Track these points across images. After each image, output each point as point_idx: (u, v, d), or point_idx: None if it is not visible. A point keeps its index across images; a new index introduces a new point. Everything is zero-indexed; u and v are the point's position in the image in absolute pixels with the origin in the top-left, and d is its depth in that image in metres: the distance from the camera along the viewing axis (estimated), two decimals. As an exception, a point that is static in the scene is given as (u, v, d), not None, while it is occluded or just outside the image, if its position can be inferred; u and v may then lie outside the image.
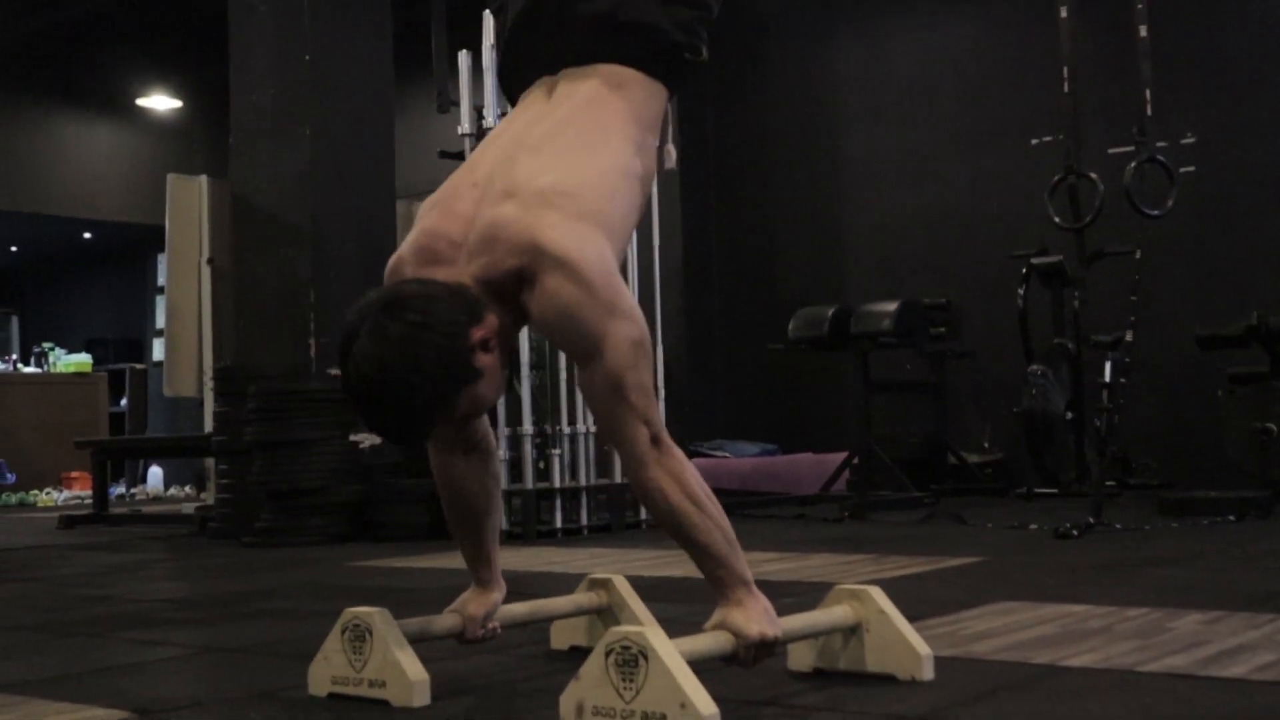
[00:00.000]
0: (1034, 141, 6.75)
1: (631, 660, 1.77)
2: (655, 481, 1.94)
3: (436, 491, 2.31)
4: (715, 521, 1.96)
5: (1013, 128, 7.69)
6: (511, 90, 2.32)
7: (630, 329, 1.94)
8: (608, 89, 2.17)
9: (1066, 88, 5.44)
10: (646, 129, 2.20)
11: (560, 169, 2.03)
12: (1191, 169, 6.10)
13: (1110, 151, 6.07)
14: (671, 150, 2.45)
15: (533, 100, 2.24)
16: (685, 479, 1.95)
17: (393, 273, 2.12)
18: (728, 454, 8.11)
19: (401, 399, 1.90)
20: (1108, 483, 5.69)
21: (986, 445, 7.82)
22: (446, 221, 2.09)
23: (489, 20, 5.47)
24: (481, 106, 5.63)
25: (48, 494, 10.59)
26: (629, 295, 1.98)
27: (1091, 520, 4.73)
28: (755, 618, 1.95)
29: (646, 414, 1.94)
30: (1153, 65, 5.53)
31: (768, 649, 1.96)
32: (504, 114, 5.56)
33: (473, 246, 2.02)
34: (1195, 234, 7.12)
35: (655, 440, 1.95)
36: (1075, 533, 4.56)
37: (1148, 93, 5.44)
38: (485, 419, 2.26)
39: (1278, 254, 7.04)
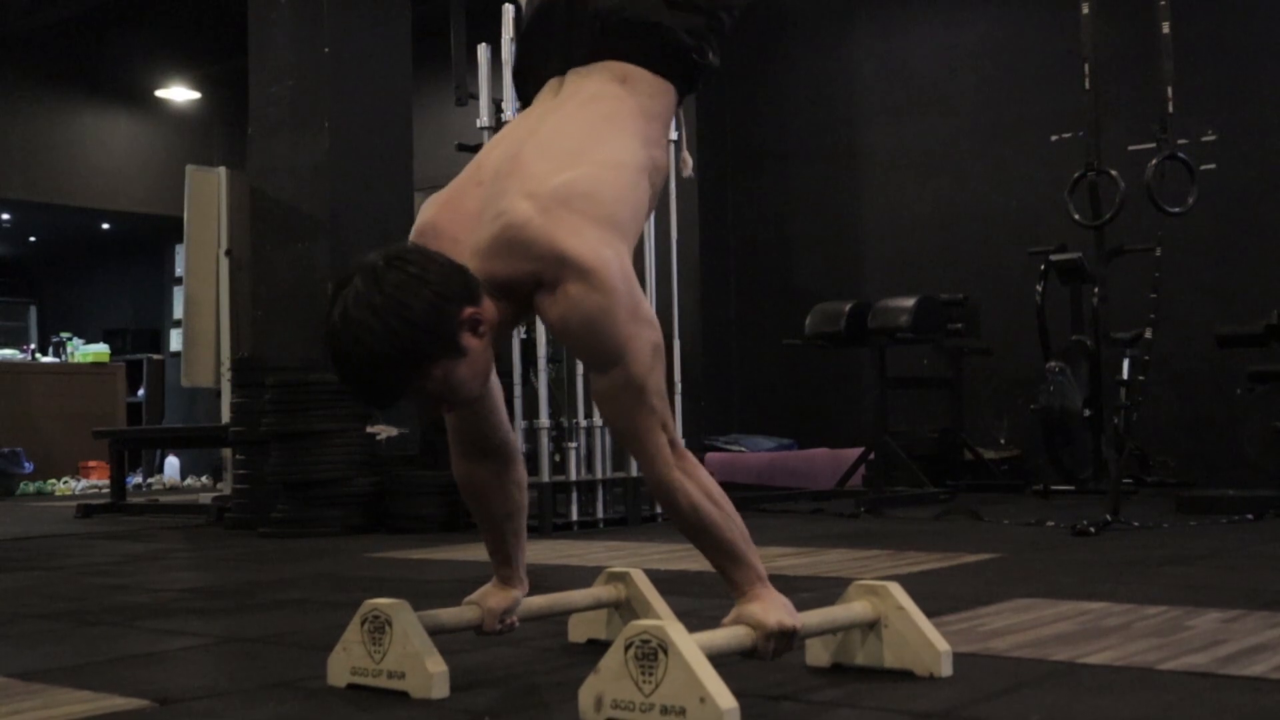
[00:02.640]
0: (1054, 138, 6.72)
1: (651, 654, 1.77)
2: (679, 483, 1.95)
3: (452, 483, 2.30)
4: (733, 520, 1.98)
5: (1032, 123, 7.67)
6: (526, 93, 2.31)
7: (651, 334, 1.95)
8: (613, 83, 2.16)
9: (1088, 84, 5.41)
10: (654, 122, 2.19)
11: (573, 166, 2.01)
12: (1212, 166, 6.06)
13: (1131, 148, 6.04)
14: (688, 158, 2.44)
15: (540, 100, 2.23)
16: (703, 480, 1.97)
17: None
18: (744, 449, 8.11)
19: (377, 343, 1.85)
20: (1125, 480, 5.67)
21: (1003, 441, 7.81)
22: (448, 218, 2.08)
23: (508, 13, 5.47)
24: (500, 100, 5.62)
25: (65, 483, 10.63)
26: (646, 301, 1.98)
27: (1109, 518, 4.72)
28: (773, 610, 1.96)
29: (665, 419, 1.96)
30: (1174, 62, 5.50)
31: (786, 641, 1.96)
32: (523, 108, 5.57)
33: (484, 246, 1.99)
34: (1216, 232, 7.09)
35: (672, 444, 1.96)
36: (1093, 530, 4.55)
37: (1169, 89, 5.41)
38: (507, 424, 2.25)
39: (1298, 252, 7.01)
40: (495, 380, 2.17)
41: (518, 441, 2.38)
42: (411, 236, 2.10)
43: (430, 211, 2.12)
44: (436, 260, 1.92)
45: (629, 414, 1.95)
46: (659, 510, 5.72)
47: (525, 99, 2.31)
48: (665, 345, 2.01)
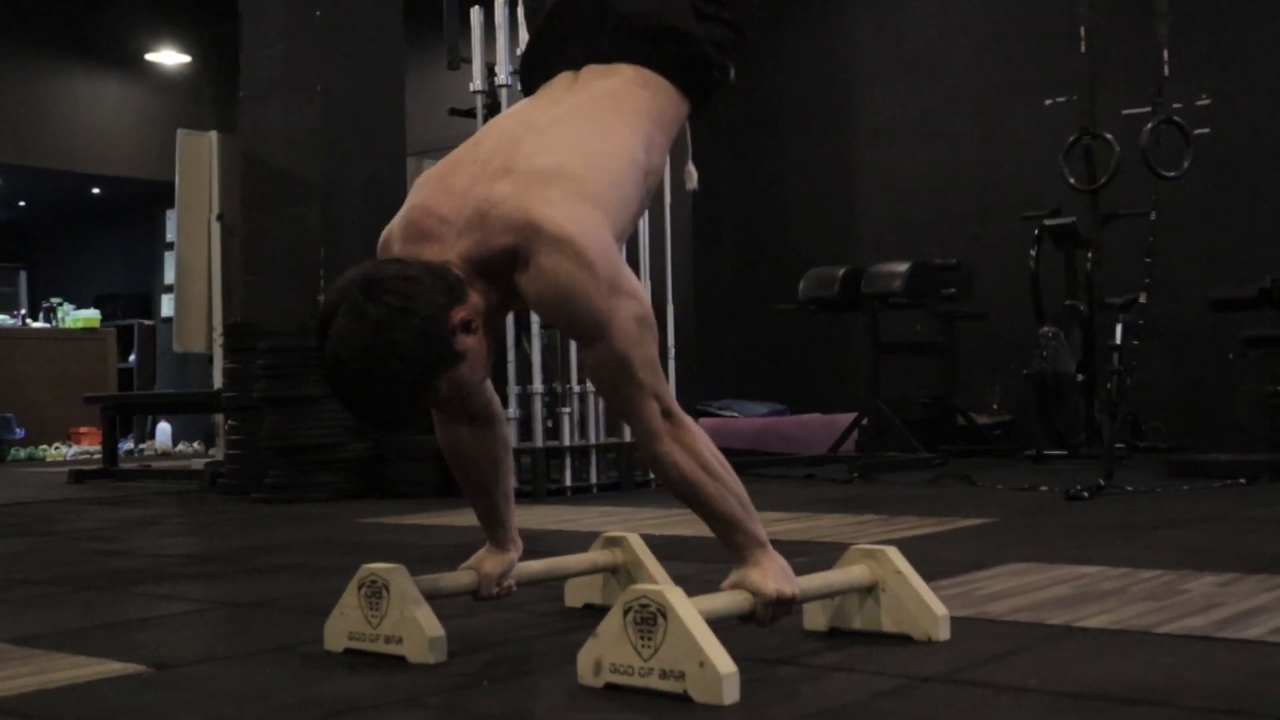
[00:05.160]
0: (1048, 102, 6.71)
1: (650, 618, 1.77)
2: (669, 456, 1.92)
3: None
4: (730, 489, 1.96)
5: (1027, 88, 7.64)
6: (531, 83, 2.27)
7: (633, 306, 1.90)
8: (631, 85, 2.13)
9: (1084, 47, 5.40)
10: (660, 128, 2.15)
11: (563, 151, 1.98)
12: (1207, 131, 6.06)
13: (1125, 112, 6.04)
14: (693, 171, 2.41)
15: (551, 88, 2.20)
16: (698, 449, 1.93)
17: (382, 248, 2.08)
18: (736, 414, 8.11)
19: (379, 384, 1.85)
20: (1117, 445, 5.68)
21: (996, 406, 7.82)
22: (439, 197, 2.04)
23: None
24: (493, 64, 5.60)
25: (56, 449, 10.63)
26: (629, 271, 1.94)
27: (1102, 482, 4.73)
28: (772, 576, 1.95)
29: (656, 389, 1.92)
30: (1169, 26, 5.49)
31: (785, 606, 1.96)
32: (515, 70, 5.54)
33: (463, 224, 1.97)
34: (1210, 196, 7.08)
35: (667, 413, 1.92)
36: (1086, 495, 4.56)
37: (1165, 53, 5.40)
38: (489, 386, 2.23)
39: (1292, 217, 7.00)
40: None
41: (508, 407, 2.36)
42: (404, 210, 2.08)
43: (422, 193, 2.08)
44: (413, 275, 1.88)
45: (617, 388, 1.92)
46: (652, 476, 5.73)
47: (529, 88, 2.27)
48: (659, 311, 1.98)
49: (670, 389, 1.99)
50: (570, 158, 1.97)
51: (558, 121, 2.06)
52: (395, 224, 2.08)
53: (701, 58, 2.18)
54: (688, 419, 1.96)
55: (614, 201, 1.98)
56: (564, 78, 2.20)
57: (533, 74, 2.27)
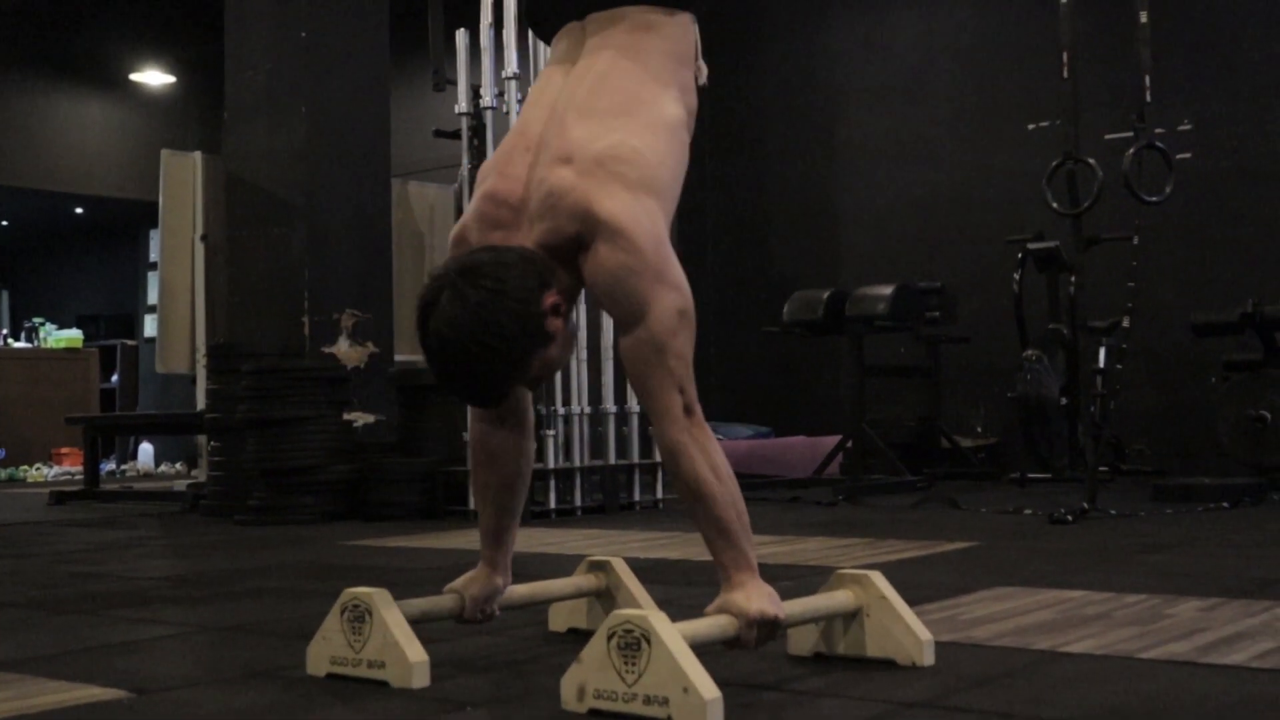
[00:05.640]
0: (1031, 126, 6.74)
1: (634, 643, 1.76)
2: (684, 445, 1.97)
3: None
4: (733, 499, 1.99)
5: (1010, 112, 7.68)
6: (543, 33, 2.38)
7: (676, 298, 1.99)
8: (639, 33, 2.20)
9: (1066, 73, 5.42)
10: (684, 66, 2.24)
11: (614, 131, 2.08)
12: (1188, 156, 6.09)
13: (1108, 137, 6.06)
14: (703, 66, 2.45)
15: (565, 53, 2.27)
16: (711, 451, 1.98)
17: (458, 241, 2.18)
18: (721, 436, 8.10)
19: (480, 362, 1.96)
20: (1101, 469, 5.69)
21: (980, 430, 7.83)
22: (504, 185, 2.16)
23: (487, -1, 5.44)
24: (479, 86, 5.60)
25: (38, 470, 10.57)
26: (678, 266, 2.03)
27: (1086, 506, 4.73)
28: (757, 598, 1.95)
29: (683, 382, 1.98)
30: (1152, 52, 5.51)
31: (769, 630, 1.96)
32: (502, 92, 5.55)
33: (534, 212, 2.09)
34: (1192, 221, 7.11)
35: (688, 409, 1.98)
36: (1070, 518, 4.56)
37: (1147, 79, 5.43)
38: (529, 395, 2.29)
39: (1273, 241, 7.04)
40: None
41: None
42: (475, 201, 2.19)
43: (486, 184, 2.19)
44: (508, 262, 2.00)
45: (647, 371, 1.99)
46: (637, 498, 5.72)
47: (545, 38, 2.38)
48: None
49: (695, 390, 2.02)
50: (623, 140, 2.07)
51: (594, 94, 2.14)
52: (469, 217, 2.19)
53: None
54: (707, 426, 2.01)
55: (666, 181, 2.10)
56: (571, 30, 2.28)
57: (540, 27, 2.40)
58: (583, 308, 5.46)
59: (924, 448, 7.42)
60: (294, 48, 6.13)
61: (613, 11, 2.22)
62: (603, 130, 2.08)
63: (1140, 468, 6.73)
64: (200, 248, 7.02)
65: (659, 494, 5.80)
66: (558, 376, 5.49)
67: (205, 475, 6.50)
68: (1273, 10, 7.18)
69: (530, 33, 5.17)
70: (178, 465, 11.31)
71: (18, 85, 11.54)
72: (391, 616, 2.07)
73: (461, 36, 5.63)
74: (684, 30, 2.25)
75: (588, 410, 5.60)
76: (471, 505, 5.04)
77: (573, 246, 2.04)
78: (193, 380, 7.26)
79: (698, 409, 1.99)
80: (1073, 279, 6.38)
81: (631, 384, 2.05)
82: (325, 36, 6.17)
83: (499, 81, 5.53)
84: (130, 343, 13.47)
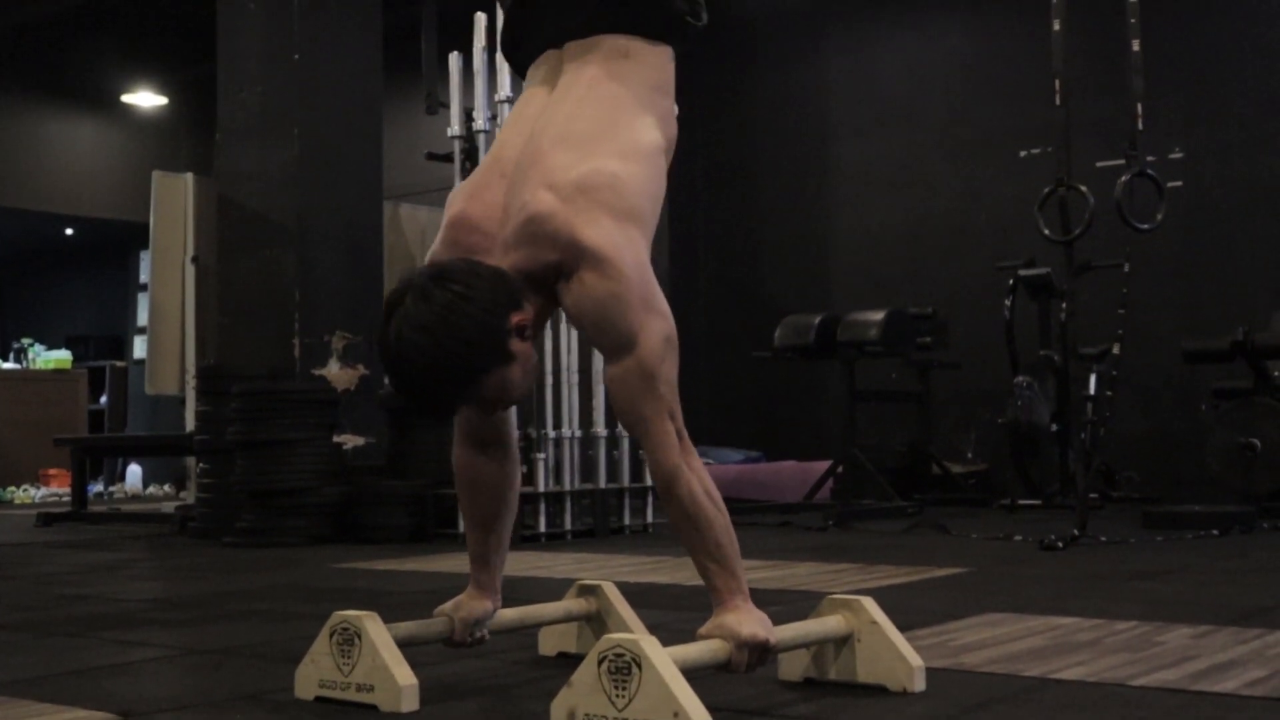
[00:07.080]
0: (1023, 153, 6.77)
1: (624, 668, 1.76)
2: (681, 470, 1.97)
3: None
4: (727, 527, 1.99)
5: (1002, 139, 7.71)
6: (517, 61, 2.35)
7: (663, 325, 1.99)
8: (616, 60, 2.18)
9: (1058, 100, 5.43)
10: (662, 95, 2.23)
11: (593, 157, 2.06)
12: (1180, 184, 6.11)
13: (1100, 165, 6.08)
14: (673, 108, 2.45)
15: (543, 79, 2.25)
16: (704, 476, 1.99)
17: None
18: (712, 461, 8.09)
19: (437, 366, 1.93)
20: (1091, 495, 5.69)
21: (970, 455, 7.83)
22: (476, 210, 2.14)
23: (480, 21, 5.45)
24: (471, 109, 5.60)
25: (25, 491, 10.51)
26: (661, 293, 2.02)
27: (1076, 532, 4.73)
28: (749, 622, 1.95)
29: (672, 408, 1.99)
30: (1144, 80, 5.54)
31: (761, 656, 1.95)
32: (495, 115, 5.56)
33: (511, 238, 2.06)
34: (1183, 249, 7.14)
35: (679, 434, 1.99)
36: (1060, 545, 4.56)
37: (1139, 107, 5.44)
38: (511, 419, 2.28)
39: (1264, 269, 7.07)
40: None
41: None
42: (444, 228, 2.17)
43: (460, 204, 2.17)
44: (480, 273, 1.98)
45: (637, 400, 1.98)
46: (626, 522, 5.71)
47: (518, 68, 2.36)
48: None
49: (681, 415, 2.02)
50: (602, 165, 2.05)
51: (571, 120, 2.12)
52: (438, 245, 2.17)
53: (673, 13, 2.23)
54: (695, 451, 2.01)
55: (648, 207, 2.09)
56: (548, 57, 2.26)
57: (515, 54, 2.36)
58: (573, 332, 5.45)
59: (915, 473, 7.42)
60: (286, 69, 6.13)
61: (592, 39, 2.20)
62: (581, 156, 2.06)
63: (1131, 494, 6.73)
64: (191, 269, 7.01)
65: (649, 518, 5.79)
66: (548, 400, 5.48)
67: (194, 497, 6.48)
68: (1264, 40, 7.22)
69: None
70: (166, 487, 11.26)
71: (9, 106, 11.54)
72: (381, 639, 2.06)
73: (455, 59, 5.64)
74: (664, 61, 2.24)
75: (578, 434, 5.59)
76: (461, 528, 5.03)
77: (549, 274, 2.02)
78: (182, 402, 7.24)
79: (686, 436, 2.00)
80: (1064, 306, 6.37)
81: (617, 411, 2.03)
82: (318, 58, 6.17)
83: (492, 104, 5.53)
84: (119, 364, 13.43)
